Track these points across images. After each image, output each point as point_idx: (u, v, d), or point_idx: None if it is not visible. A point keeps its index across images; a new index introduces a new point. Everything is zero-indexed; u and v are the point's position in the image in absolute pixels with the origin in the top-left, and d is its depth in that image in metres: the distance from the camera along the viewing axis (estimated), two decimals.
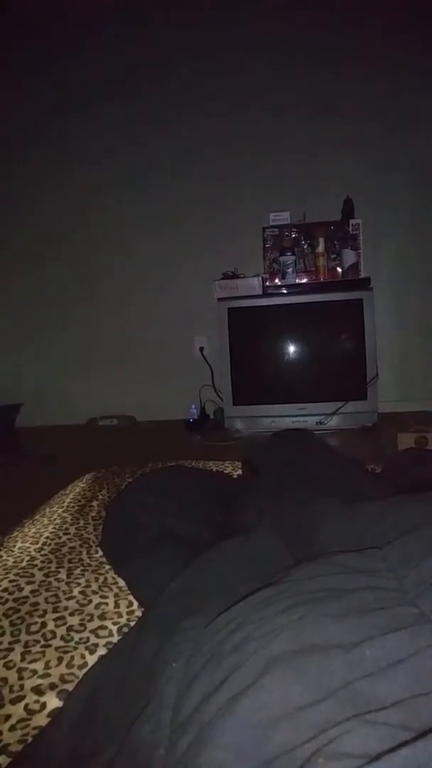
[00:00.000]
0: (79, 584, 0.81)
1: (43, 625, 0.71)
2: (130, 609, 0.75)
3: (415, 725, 0.33)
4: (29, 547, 0.94)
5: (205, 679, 0.42)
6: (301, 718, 0.35)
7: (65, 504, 1.15)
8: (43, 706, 0.58)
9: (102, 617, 0.73)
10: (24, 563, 0.87)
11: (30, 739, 0.53)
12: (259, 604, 0.48)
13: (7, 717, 0.56)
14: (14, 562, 0.88)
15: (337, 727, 0.33)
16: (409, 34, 2.70)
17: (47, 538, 0.97)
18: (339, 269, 2.73)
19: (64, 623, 0.71)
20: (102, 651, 0.66)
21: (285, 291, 2.68)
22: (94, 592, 0.79)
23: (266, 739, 0.35)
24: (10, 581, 0.81)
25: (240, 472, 1.32)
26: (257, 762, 0.34)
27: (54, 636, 0.69)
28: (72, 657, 0.64)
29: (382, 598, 0.45)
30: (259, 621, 0.46)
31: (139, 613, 0.73)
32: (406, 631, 0.41)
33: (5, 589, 0.79)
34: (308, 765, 0.31)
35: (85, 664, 0.63)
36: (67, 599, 0.77)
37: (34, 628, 0.70)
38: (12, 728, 0.55)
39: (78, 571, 0.85)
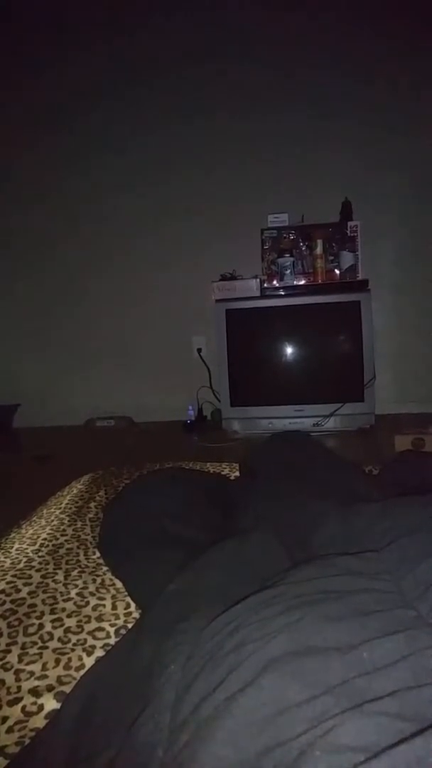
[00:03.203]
0: (76, 586, 0.81)
1: (41, 626, 0.71)
2: (128, 611, 0.75)
3: (411, 715, 0.33)
4: (26, 549, 0.93)
5: (204, 680, 0.42)
6: (297, 713, 0.35)
7: (63, 505, 1.15)
8: (41, 707, 0.57)
9: (99, 619, 0.72)
10: (21, 565, 0.87)
11: (27, 741, 0.53)
12: (257, 606, 0.48)
13: (5, 719, 0.56)
14: (11, 563, 0.88)
15: (333, 719, 0.33)
16: (408, 33, 2.71)
17: (44, 539, 0.97)
18: (337, 271, 2.73)
19: (62, 625, 0.71)
20: (99, 653, 0.65)
21: (283, 293, 2.68)
22: (92, 594, 0.78)
23: (262, 733, 0.35)
24: (8, 583, 0.81)
25: (237, 473, 1.32)
26: (254, 754, 0.34)
27: (51, 638, 0.68)
28: (69, 659, 0.64)
29: (380, 600, 0.45)
30: (258, 623, 0.46)
31: (136, 615, 0.73)
32: (404, 634, 0.41)
33: (2, 591, 0.79)
34: (305, 757, 0.31)
35: (83, 666, 0.63)
36: (65, 601, 0.76)
37: (31, 629, 0.70)
38: (9, 730, 0.55)
39: (75, 572, 0.85)
